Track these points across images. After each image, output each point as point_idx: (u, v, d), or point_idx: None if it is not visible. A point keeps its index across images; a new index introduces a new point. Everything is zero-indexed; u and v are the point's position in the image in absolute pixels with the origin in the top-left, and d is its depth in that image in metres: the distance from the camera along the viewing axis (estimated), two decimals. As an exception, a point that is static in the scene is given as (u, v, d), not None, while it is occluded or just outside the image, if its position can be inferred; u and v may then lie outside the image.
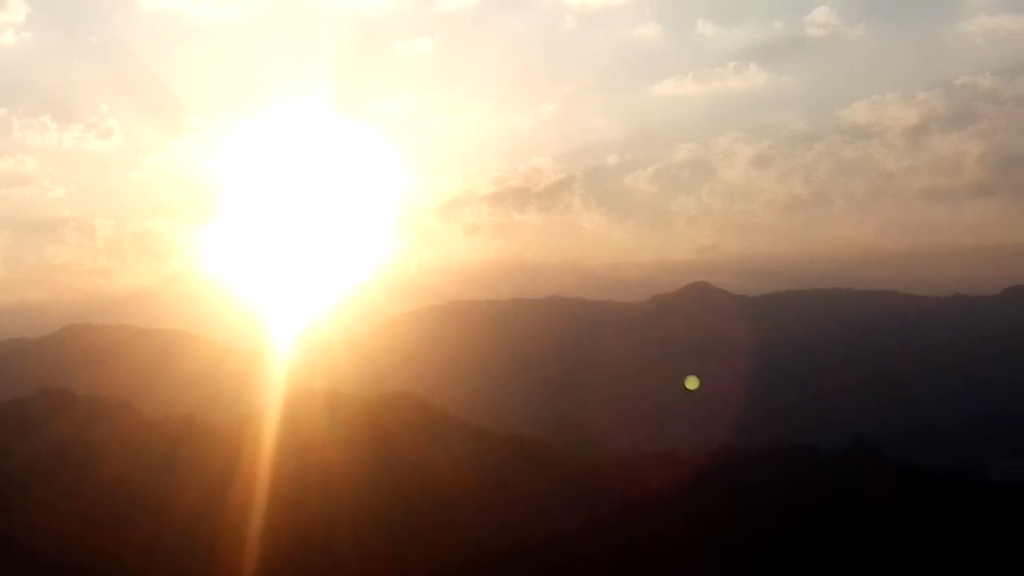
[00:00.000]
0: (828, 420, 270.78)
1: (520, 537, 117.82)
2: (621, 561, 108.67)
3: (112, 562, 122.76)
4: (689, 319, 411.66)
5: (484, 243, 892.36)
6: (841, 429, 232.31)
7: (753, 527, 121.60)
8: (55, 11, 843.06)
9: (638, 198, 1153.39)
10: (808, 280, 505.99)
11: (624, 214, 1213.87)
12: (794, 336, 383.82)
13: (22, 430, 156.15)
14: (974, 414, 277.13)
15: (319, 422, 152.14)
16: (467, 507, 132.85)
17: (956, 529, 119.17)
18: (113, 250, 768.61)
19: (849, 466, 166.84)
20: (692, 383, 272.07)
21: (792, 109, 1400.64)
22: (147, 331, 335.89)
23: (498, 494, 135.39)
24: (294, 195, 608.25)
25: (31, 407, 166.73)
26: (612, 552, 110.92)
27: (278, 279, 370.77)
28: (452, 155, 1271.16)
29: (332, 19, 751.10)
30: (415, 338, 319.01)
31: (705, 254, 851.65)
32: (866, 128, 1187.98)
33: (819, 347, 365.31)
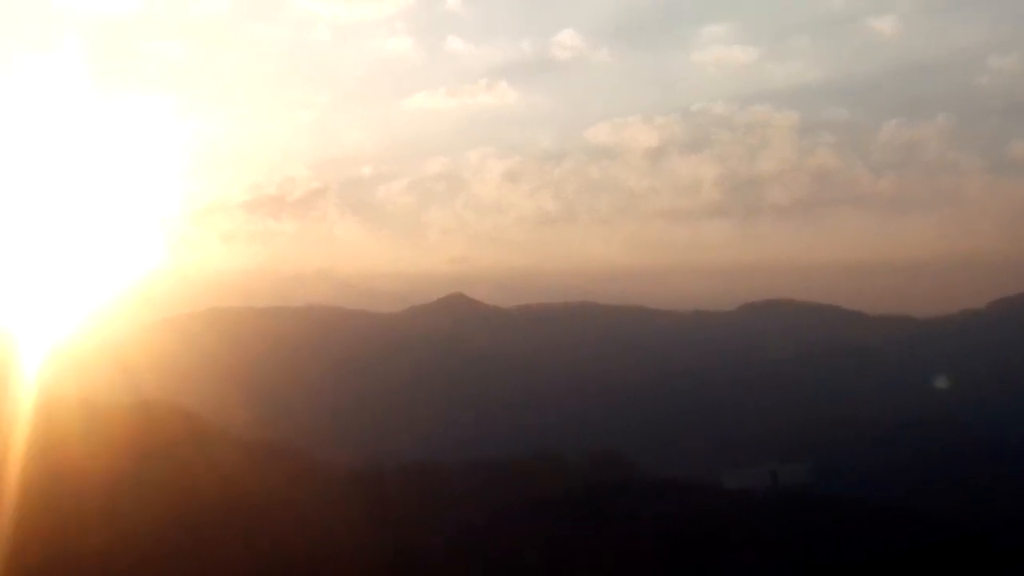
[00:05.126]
0: (578, 433, 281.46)
1: (286, 551, 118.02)
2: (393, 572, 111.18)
3: None
4: (446, 330, 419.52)
5: (239, 250, 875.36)
6: (590, 442, 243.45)
7: (511, 536, 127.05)
8: None
9: (391, 209, 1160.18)
10: (558, 294, 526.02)
11: (378, 225, 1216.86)
12: (547, 348, 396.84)
13: None
14: (712, 424, 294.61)
15: (70, 432, 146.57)
16: (227, 518, 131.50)
17: (695, 530, 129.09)
18: None
19: (597, 477, 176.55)
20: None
21: (540, 127, 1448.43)
22: None
23: (260, 505, 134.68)
24: (36, 196, 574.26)
25: None
26: (381, 565, 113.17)
27: (20, 284, 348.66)
28: (205, 161, 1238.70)
29: (78, 18, 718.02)
30: (173, 345, 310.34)
31: (459, 265, 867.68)
32: (610, 148, 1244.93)
33: (572, 360, 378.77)
